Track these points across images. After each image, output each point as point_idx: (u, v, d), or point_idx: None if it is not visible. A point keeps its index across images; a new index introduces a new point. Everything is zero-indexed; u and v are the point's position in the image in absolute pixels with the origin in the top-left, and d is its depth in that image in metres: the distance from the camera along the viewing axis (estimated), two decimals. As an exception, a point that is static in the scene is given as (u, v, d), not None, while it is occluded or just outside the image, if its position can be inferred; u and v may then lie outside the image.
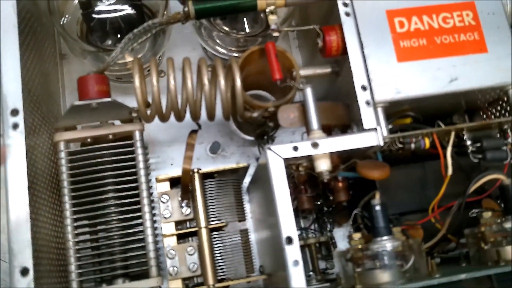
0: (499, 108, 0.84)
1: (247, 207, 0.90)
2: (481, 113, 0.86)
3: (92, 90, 0.74)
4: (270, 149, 0.67)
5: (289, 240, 0.64)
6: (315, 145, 0.68)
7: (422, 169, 0.81)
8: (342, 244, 0.91)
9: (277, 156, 0.67)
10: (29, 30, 0.78)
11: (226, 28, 0.88)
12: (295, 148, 0.67)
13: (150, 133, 0.94)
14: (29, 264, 0.63)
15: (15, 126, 0.67)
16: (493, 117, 0.84)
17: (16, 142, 0.67)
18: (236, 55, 0.88)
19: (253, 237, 0.89)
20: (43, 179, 0.74)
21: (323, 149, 0.68)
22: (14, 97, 0.68)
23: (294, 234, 0.64)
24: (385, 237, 0.67)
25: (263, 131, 0.87)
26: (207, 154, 0.96)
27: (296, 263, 0.63)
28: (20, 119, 0.68)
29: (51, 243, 0.73)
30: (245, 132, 0.94)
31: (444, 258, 0.78)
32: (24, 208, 0.65)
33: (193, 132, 0.80)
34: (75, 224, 0.73)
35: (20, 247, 0.64)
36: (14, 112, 0.68)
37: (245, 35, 0.88)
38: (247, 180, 0.91)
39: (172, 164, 0.95)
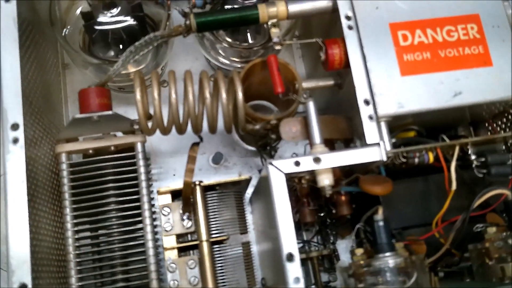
0: (504, 120, 0.83)
1: (249, 218, 0.90)
2: (486, 124, 0.85)
3: (93, 103, 0.74)
4: (271, 164, 0.66)
5: (290, 257, 0.63)
6: (317, 160, 0.67)
7: (425, 182, 0.80)
8: (345, 256, 0.89)
9: (278, 171, 0.66)
10: (31, 42, 0.78)
11: (229, 39, 0.87)
12: (297, 163, 0.67)
13: (152, 143, 0.94)
14: (28, 280, 0.63)
15: (15, 140, 0.67)
16: (498, 129, 0.83)
17: (16, 157, 0.67)
18: (239, 66, 0.88)
19: (255, 248, 0.88)
20: (44, 191, 0.74)
21: (325, 164, 0.67)
22: (15, 111, 0.68)
23: (295, 250, 0.63)
24: (387, 253, 0.66)
25: (265, 143, 0.86)
26: (210, 164, 0.95)
27: (297, 280, 0.62)
28: (20, 133, 0.67)
29: (51, 256, 0.73)
30: (247, 142, 0.93)
31: (448, 272, 0.77)
32: (23, 222, 0.65)
33: (195, 144, 0.80)
34: (76, 236, 0.73)
35: (19, 262, 0.63)
36: (15, 126, 0.67)
37: (248, 46, 0.87)
38: (249, 191, 0.91)
39: (174, 175, 0.94)
